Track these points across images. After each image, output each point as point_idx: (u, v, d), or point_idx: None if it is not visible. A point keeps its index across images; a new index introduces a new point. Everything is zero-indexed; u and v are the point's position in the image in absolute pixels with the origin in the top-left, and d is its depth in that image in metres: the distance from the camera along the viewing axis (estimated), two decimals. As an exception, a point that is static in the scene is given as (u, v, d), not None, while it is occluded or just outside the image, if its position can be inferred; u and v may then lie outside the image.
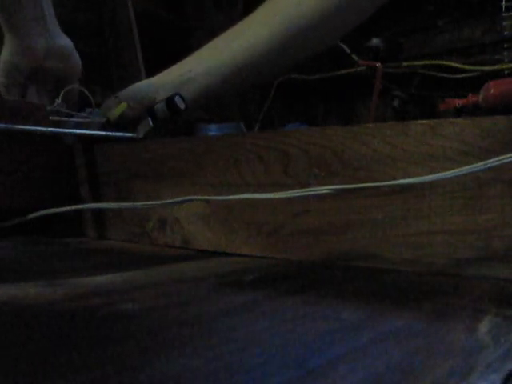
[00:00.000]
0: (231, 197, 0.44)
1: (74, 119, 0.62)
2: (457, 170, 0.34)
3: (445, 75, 1.03)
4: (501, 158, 0.31)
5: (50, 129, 0.59)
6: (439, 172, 0.36)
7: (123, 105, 0.61)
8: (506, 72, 0.94)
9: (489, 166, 0.32)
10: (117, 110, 0.62)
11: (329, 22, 0.57)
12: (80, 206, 0.57)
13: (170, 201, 0.48)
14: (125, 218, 0.58)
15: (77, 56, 0.62)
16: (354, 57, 1.08)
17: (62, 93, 0.60)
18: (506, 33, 0.96)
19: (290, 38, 0.57)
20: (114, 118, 0.62)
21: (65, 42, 0.61)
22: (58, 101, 0.60)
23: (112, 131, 0.63)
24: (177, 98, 0.60)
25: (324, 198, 0.42)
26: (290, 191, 0.41)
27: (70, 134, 0.62)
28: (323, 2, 0.55)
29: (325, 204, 0.43)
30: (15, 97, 0.61)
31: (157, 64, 0.65)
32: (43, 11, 0.56)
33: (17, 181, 0.58)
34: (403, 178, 0.39)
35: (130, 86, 0.64)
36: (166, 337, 0.25)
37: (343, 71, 1.12)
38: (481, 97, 0.79)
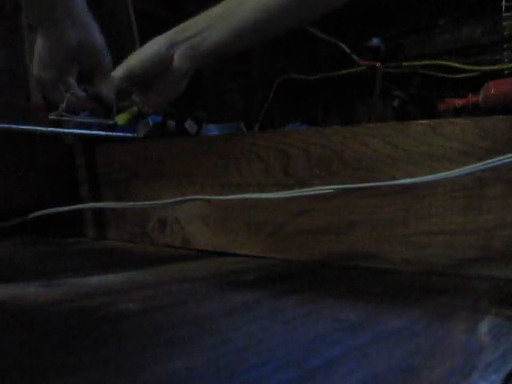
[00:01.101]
0: (231, 197, 0.44)
1: (77, 119, 0.61)
2: (458, 170, 0.33)
3: (445, 75, 1.03)
4: (501, 157, 0.31)
5: (50, 129, 0.59)
6: (439, 172, 0.36)
7: (133, 109, 0.61)
8: (506, 72, 0.94)
9: (490, 165, 0.32)
10: (126, 113, 0.61)
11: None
12: (80, 206, 0.57)
13: (170, 201, 0.48)
14: (125, 218, 0.58)
15: (106, 53, 0.61)
16: (354, 57, 1.08)
17: (65, 100, 0.60)
18: (505, 33, 0.96)
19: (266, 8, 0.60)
20: (124, 122, 0.62)
21: (96, 37, 0.61)
22: (63, 105, 0.60)
23: (112, 131, 0.62)
24: (188, 124, 0.60)
25: (324, 199, 0.42)
26: (290, 191, 0.41)
27: (70, 133, 0.62)
28: None
29: (325, 204, 0.43)
30: (55, 92, 0.61)
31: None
32: (75, 4, 0.57)
33: (17, 181, 0.58)
34: (403, 177, 0.39)
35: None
36: (165, 337, 0.25)
37: (343, 71, 1.12)
38: (481, 97, 0.79)
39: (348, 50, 1.10)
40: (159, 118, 0.63)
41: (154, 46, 0.62)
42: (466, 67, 1.00)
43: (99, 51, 0.60)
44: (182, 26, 0.62)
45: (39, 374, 0.20)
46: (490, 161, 0.32)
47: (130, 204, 0.54)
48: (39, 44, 0.59)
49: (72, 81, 0.61)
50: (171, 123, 0.62)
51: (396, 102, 1.10)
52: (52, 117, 0.59)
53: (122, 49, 0.96)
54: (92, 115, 0.62)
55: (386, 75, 1.06)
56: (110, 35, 0.99)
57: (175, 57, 0.61)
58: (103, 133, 0.62)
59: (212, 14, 0.62)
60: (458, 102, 0.85)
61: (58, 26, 0.56)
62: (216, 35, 0.61)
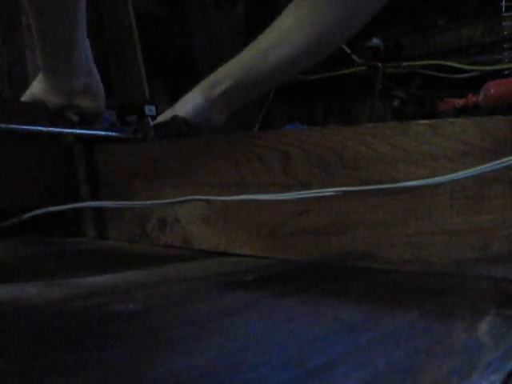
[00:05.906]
0: (231, 197, 0.44)
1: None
2: (462, 173, 0.33)
3: (445, 75, 1.03)
4: (507, 159, 0.31)
5: (50, 129, 0.59)
6: (439, 172, 0.36)
7: None
8: (506, 72, 0.94)
9: (496, 167, 0.31)
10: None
11: (326, 41, 0.62)
12: (79, 205, 0.57)
13: (170, 201, 0.48)
14: (125, 218, 0.58)
15: (103, 96, 0.67)
16: (354, 57, 1.08)
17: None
18: (505, 33, 0.96)
19: (295, 56, 0.63)
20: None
21: (98, 84, 0.65)
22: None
23: (112, 131, 0.63)
24: (147, 108, 0.61)
25: (324, 199, 0.42)
26: (291, 193, 0.41)
27: (70, 133, 0.62)
28: (318, 27, 0.61)
29: (325, 204, 0.43)
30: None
31: (157, 64, 0.65)
32: (82, 54, 0.61)
33: (16, 181, 0.58)
34: (403, 177, 0.39)
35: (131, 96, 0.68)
36: (166, 337, 0.25)
37: (343, 71, 1.12)
38: (481, 97, 0.79)
39: (348, 50, 1.10)
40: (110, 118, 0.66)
41: (193, 101, 0.65)
42: (466, 67, 1.00)
43: (99, 96, 0.66)
44: (214, 78, 0.65)
45: (39, 374, 0.20)
46: (495, 162, 0.32)
47: (129, 203, 0.54)
48: (37, 86, 0.63)
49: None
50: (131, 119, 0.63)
51: (396, 102, 1.10)
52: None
53: (122, 49, 0.96)
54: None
55: (386, 75, 1.06)
56: (110, 36, 1.00)
57: (214, 111, 0.64)
58: (103, 133, 0.62)
59: (227, 72, 0.65)
60: (458, 102, 0.85)
61: (70, 70, 0.61)
62: (233, 92, 0.64)
